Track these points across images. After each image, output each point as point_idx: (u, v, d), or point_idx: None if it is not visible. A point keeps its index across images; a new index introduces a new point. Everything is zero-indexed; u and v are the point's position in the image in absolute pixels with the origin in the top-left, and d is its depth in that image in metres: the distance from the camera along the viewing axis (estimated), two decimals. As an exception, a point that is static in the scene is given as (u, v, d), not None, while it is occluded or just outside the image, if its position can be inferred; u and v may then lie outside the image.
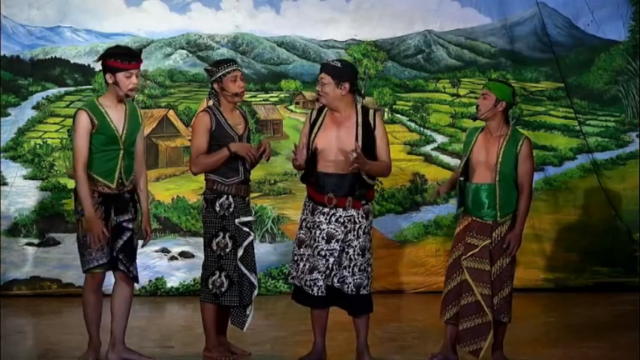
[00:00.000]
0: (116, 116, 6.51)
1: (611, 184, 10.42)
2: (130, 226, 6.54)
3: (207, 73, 6.99)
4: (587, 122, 10.61)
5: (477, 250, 6.56)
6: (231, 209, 6.77)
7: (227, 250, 6.75)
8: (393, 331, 7.91)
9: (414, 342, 7.36)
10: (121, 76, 6.43)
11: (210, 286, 6.77)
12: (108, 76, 6.47)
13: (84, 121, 6.42)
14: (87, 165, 6.40)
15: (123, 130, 6.51)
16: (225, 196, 6.77)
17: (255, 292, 6.88)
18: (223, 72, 6.81)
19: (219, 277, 6.74)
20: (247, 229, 6.82)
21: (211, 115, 6.79)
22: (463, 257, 6.58)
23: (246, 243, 6.80)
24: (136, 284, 6.71)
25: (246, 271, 6.78)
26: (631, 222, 10.31)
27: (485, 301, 6.51)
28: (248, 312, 6.87)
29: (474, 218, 6.65)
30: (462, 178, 6.74)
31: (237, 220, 6.77)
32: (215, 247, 6.77)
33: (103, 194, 6.46)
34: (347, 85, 6.57)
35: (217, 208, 6.77)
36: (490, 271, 6.54)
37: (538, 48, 10.65)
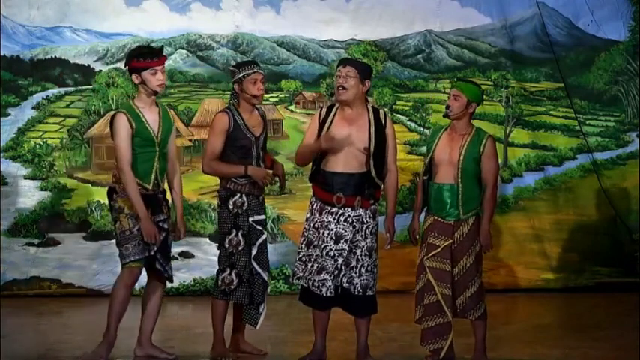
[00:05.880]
0: (151, 118, 6.54)
1: (611, 184, 10.42)
2: (165, 226, 6.62)
3: (230, 74, 7.00)
4: (587, 122, 10.61)
5: (438, 250, 6.56)
6: (244, 207, 6.78)
7: (239, 247, 6.76)
8: (393, 331, 7.90)
9: (414, 342, 7.33)
10: (146, 74, 6.46)
11: (220, 283, 6.81)
12: (134, 76, 6.50)
13: (124, 123, 6.44)
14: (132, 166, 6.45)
15: (158, 132, 6.55)
16: (239, 194, 6.78)
17: (268, 289, 6.90)
18: (244, 73, 6.81)
19: (230, 274, 6.76)
20: (260, 228, 6.83)
21: (230, 116, 6.77)
22: (425, 257, 6.59)
23: (259, 241, 6.82)
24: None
25: (259, 269, 6.80)
26: (631, 222, 10.31)
27: (446, 301, 6.51)
28: (261, 310, 6.88)
29: (437, 218, 6.64)
30: (425, 177, 6.74)
31: (250, 219, 6.78)
32: (227, 245, 6.79)
33: (141, 195, 6.48)
34: (368, 83, 6.57)
35: (230, 207, 6.78)
36: (451, 272, 6.53)
37: (538, 48, 10.66)
